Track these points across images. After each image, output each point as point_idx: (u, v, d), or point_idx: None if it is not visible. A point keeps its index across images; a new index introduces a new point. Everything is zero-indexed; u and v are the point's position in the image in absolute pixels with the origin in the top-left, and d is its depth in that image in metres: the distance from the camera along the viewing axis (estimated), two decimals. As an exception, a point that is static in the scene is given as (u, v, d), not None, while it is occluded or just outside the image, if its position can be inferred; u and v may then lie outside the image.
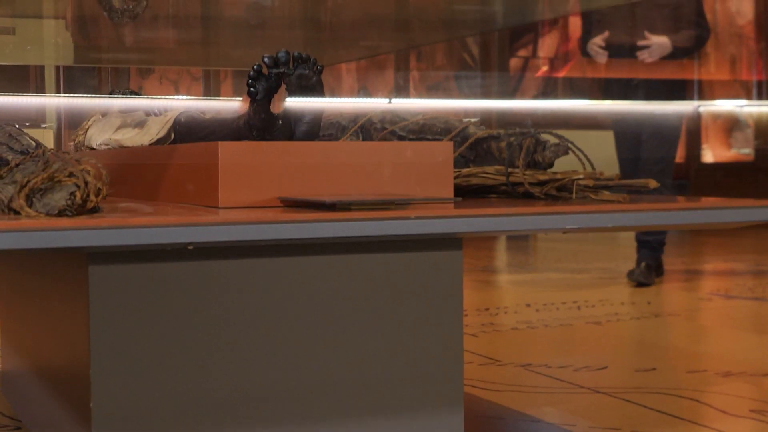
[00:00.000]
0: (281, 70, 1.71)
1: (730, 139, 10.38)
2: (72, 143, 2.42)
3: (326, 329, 1.58)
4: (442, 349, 1.68)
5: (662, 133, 4.86)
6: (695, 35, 4.96)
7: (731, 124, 10.42)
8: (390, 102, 7.72)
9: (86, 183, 1.35)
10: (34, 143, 1.89)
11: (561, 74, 9.58)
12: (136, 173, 1.94)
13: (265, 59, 1.71)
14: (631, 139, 4.86)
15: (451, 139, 2.02)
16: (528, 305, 4.11)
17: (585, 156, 1.78)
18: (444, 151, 1.65)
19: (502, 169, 1.80)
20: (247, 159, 1.52)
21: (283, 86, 1.75)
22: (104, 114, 2.42)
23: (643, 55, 4.84)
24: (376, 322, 1.61)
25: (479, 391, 2.60)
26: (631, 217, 1.54)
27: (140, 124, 2.18)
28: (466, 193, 1.86)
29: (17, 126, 2.22)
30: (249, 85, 1.71)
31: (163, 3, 8.10)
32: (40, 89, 7.83)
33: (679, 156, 9.95)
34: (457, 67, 9.21)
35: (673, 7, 4.89)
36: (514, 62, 9.50)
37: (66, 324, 1.68)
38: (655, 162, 4.79)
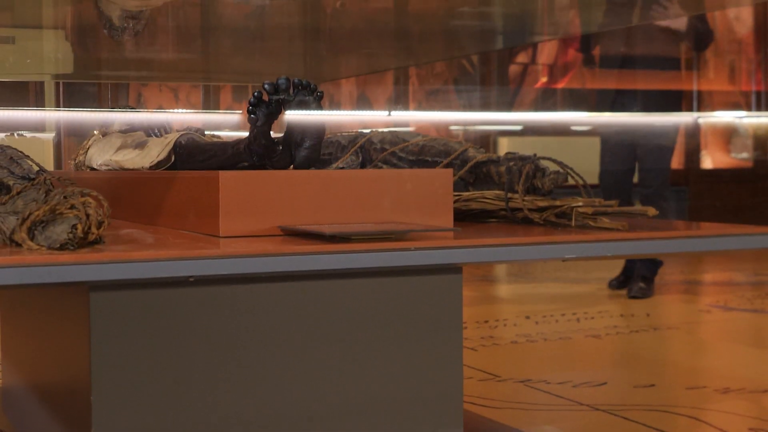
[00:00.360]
0: (281, 97, 1.71)
1: (729, 145, 10.40)
2: (72, 162, 2.43)
3: (326, 352, 1.58)
4: (442, 370, 1.68)
5: (661, 144, 4.86)
6: (702, 30, 5.03)
7: (730, 131, 10.44)
8: (390, 114, 7.73)
9: (88, 215, 1.36)
10: (35, 167, 1.90)
11: (560, 85, 9.58)
12: (137, 197, 1.95)
13: (266, 86, 1.72)
14: (626, 150, 4.85)
15: (450, 162, 2.02)
16: (527, 317, 4.11)
17: (584, 182, 1.78)
18: (443, 178, 1.66)
19: (502, 194, 1.81)
20: (247, 189, 1.53)
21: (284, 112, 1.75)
22: (104, 133, 2.42)
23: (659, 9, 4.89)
24: (376, 345, 1.62)
25: (479, 408, 2.61)
26: (630, 245, 1.55)
27: (140, 145, 2.19)
28: (466, 217, 1.87)
29: (19, 150, 2.24)
30: (249, 112, 1.72)
31: (162, 11, 8.10)
32: (39, 99, 7.84)
33: (678, 162, 9.97)
34: (456, 73, 9.22)
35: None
36: (513, 69, 9.51)
37: (67, 346, 1.68)
38: (656, 175, 4.80)
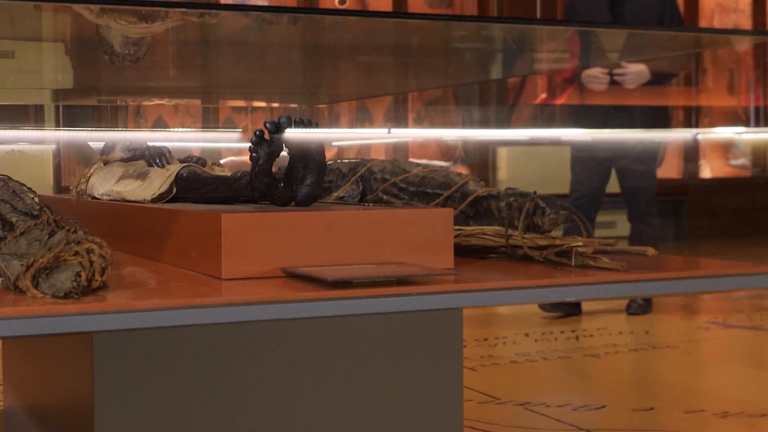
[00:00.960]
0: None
1: (728, 153, 10.41)
2: (74, 189, 2.44)
3: (327, 389, 1.59)
4: (443, 402, 1.70)
5: (645, 162, 4.85)
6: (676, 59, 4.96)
7: (729, 140, 10.46)
8: (389, 132, 7.75)
9: (91, 262, 1.37)
10: (37, 202, 1.91)
11: (560, 101, 9.59)
12: (140, 230, 1.96)
13: (267, 124, 1.73)
14: (601, 167, 4.82)
15: (450, 195, 2.03)
16: (526, 335, 4.12)
17: (584, 222, 1.80)
18: (444, 218, 1.67)
19: (502, 231, 1.82)
20: (249, 230, 1.54)
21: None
22: (106, 161, 2.43)
23: (623, 81, 4.80)
24: (378, 382, 1.63)
25: (478, 434, 2.62)
26: (630, 287, 1.56)
27: (142, 176, 2.20)
28: (466, 252, 1.88)
29: (20, 183, 2.25)
30: (251, 150, 1.73)
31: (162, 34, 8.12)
32: (39, 115, 7.85)
33: (677, 171, 9.98)
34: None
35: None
36: (512, 80, 9.51)
37: (68, 372, 1.70)
38: (643, 194, 4.78)
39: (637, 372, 3.55)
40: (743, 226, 9.53)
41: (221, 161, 8.50)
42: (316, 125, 1.75)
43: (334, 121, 8.82)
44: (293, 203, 1.79)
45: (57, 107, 7.78)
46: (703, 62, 10.22)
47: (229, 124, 8.53)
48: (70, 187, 2.53)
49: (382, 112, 8.91)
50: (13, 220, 1.77)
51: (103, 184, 2.30)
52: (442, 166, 2.20)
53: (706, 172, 10.13)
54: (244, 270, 1.53)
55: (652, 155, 4.90)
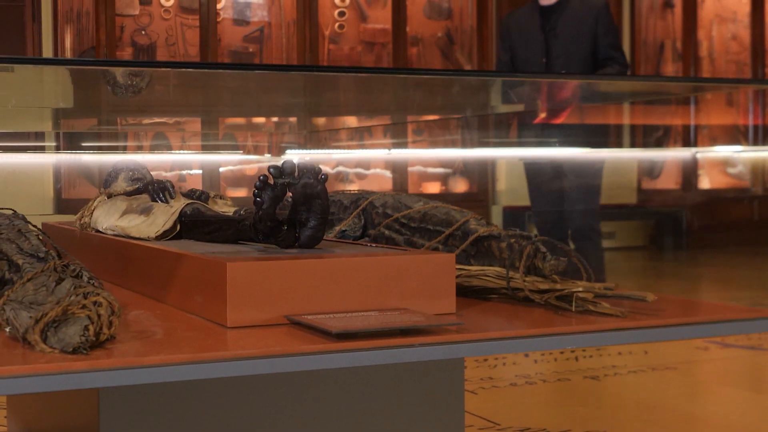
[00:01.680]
0: (287, 180, 1.74)
1: (726, 164, 10.44)
2: (78, 221, 2.45)
3: (332, 430, 1.62)
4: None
5: (586, 183, 4.86)
6: (614, 72, 4.88)
7: (728, 158, 10.48)
8: (390, 152, 7.77)
9: (99, 316, 1.39)
10: (42, 241, 1.93)
11: (559, 120, 9.61)
12: (145, 268, 1.97)
13: (271, 169, 1.75)
14: (552, 189, 4.83)
15: (451, 233, 2.05)
16: (526, 355, 4.14)
17: (585, 266, 1.82)
18: (446, 263, 1.69)
19: (503, 272, 1.84)
20: (254, 278, 1.56)
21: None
22: (110, 194, 2.45)
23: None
24: (381, 424, 1.65)
25: (479, 463, 2.64)
26: (629, 335, 1.58)
27: (146, 212, 2.22)
28: (468, 292, 1.89)
29: (22, 216, 2.26)
30: (255, 195, 1.75)
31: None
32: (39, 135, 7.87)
33: (675, 182, 10.01)
34: (454, 95, 9.24)
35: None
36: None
37: (73, 404, 1.72)
38: (586, 215, 4.79)
39: (637, 396, 3.57)
40: (741, 237, 9.55)
41: (221, 169, 8.42)
42: (320, 170, 1.77)
43: (333, 136, 8.85)
44: (297, 245, 1.81)
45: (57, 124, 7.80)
46: (702, 73, 10.25)
47: (229, 137, 8.54)
48: (75, 219, 2.55)
49: (381, 128, 8.94)
50: (20, 262, 1.79)
51: (107, 218, 2.32)
52: (442, 203, 2.21)
53: (704, 182, 10.15)
54: (248, 318, 1.55)
55: (592, 173, 4.84)
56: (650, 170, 10.07)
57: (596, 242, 4.87)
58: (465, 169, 9.18)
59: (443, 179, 9.16)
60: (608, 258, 8.97)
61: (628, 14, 9.99)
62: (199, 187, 8.00)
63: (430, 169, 9.15)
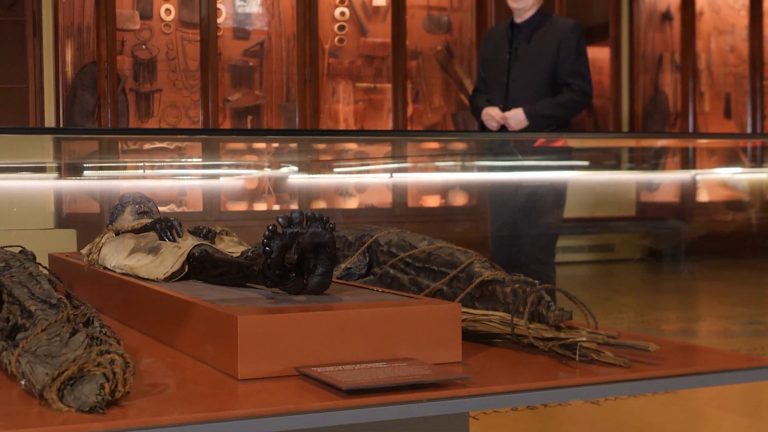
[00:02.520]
0: (295, 230, 1.78)
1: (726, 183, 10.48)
2: (86, 258, 2.48)
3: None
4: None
5: (545, 207, 4.72)
6: (563, 102, 4.65)
7: (727, 163, 10.51)
8: (391, 177, 7.79)
9: (114, 373, 1.42)
10: (52, 285, 1.96)
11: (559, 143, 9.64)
12: (155, 312, 2.00)
13: (280, 219, 1.78)
14: (511, 211, 4.72)
15: (456, 275, 2.09)
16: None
17: (590, 312, 1.85)
18: (452, 313, 1.72)
19: (507, 318, 1.87)
20: (264, 332, 1.59)
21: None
22: (117, 231, 2.48)
23: (491, 126, 4.68)
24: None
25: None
26: (633, 386, 1.61)
27: (154, 251, 2.25)
28: (472, 336, 1.93)
29: (33, 257, 2.30)
30: (264, 244, 1.78)
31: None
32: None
33: (673, 195, 10.04)
34: (454, 108, 9.30)
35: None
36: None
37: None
38: (542, 242, 4.66)
39: (637, 422, 3.60)
40: (740, 249, 9.58)
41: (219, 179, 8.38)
42: (328, 219, 1.80)
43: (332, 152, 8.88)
44: (305, 291, 1.84)
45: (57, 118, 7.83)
46: (700, 86, 10.29)
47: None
48: (82, 253, 2.58)
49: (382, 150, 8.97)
50: (32, 309, 1.82)
51: (115, 256, 2.35)
52: (446, 243, 2.24)
53: (703, 196, 10.19)
54: (259, 370, 1.59)
55: (551, 201, 4.75)
56: (649, 183, 10.11)
57: (544, 274, 4.71)
58: (464, 184, 9.22)
59: (442, 193, 9.19)
60: (607, 270, 9.02)
61: (627, 26, 10.03)
62: (199, 202, 8.04)
63: (430, 183, 9.19)
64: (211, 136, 3.03)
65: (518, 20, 4.77)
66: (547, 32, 4.69)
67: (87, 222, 7.05)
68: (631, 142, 5.00)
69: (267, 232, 1.78)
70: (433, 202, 9.05)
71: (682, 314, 6.27)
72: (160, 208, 2.83)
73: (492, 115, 4.69)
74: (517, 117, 4.60)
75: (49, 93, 7.98)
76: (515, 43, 4.73)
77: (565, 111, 4.65)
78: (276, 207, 8.41)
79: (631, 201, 9.91)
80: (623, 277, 8.43)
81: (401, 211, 8.79)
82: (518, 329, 1.84)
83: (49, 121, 8.00)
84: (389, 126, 8.95)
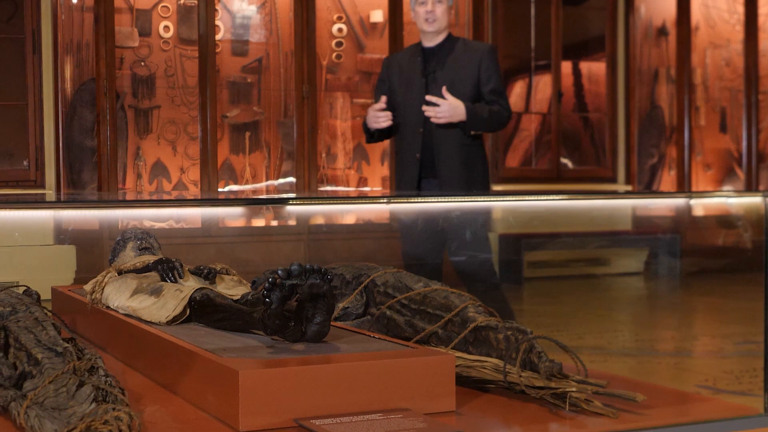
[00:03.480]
0: (294, 282, 1.83)
1: (722, 186, 10.54)
2: (89, 296, 2.53)
3: None
4: None
5: (473, 238, 4.59)
6: (496, 111, 4.49)
7: (722, 175, 10.58)
8: (389, 202, 7.84)
9: (120, 431, 1.47)
10: (58, 331, 2.01)
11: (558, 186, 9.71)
12: (158, 358, 2.06)
13: (279, 272, 1.84)
14: (435, 237, 4.52)
15: (450, 319, 2.14)
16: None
17: (579, 361, 1.90)
18: (446, 364, 1.78)
19: (500, 365, 1.93)
20: (265, 385, 1.64)
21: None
22: (120, 271, 2.53)
23: (430, 113, 4.44)
24: None
25: None
26: (620, 438, 1.67)
27: (156, 293, 2.30)
28: (466, 382, 1.98)
29: (38, 297, 2.35)
30: (265, 296, 1.84)
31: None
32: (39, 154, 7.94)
33: (669, 209, 10.10)
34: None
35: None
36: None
37: None
38: (480, 264, 4.57)
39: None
40: (735, 264, 9.64)
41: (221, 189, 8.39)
42: (326, 271, 1.86)
43: (331, 147, 8.94)
44: (304, 339, 1.90)
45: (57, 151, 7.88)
46: (696, 100, 10.35)
47: (227, 168, 8.64)
48: (84, 289, 2.63)
49: (378, 153, 9.03)
50: (39, 357, 1.87)
51: (118, 297, 2.40)
52: (441, 285, 2.29)
53: (698, 210, 10.24)
54: (259, 422, 1.64)
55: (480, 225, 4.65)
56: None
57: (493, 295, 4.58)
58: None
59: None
60: (604, 284, 9.06)
61: (623, 41, 10.09)
62: (198, 220, 8.09)
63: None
64: (209, 207, 3.05)
65: (430, 44, 4.67)
66: (463, 55, 4.64)
67: (87, 238, 7.09)
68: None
69: (267, 284, 1.83)
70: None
71: (676, 332, 6.32)
72: (159, 225, 2.88)
73: (434, 100, 4.45)
74: (456, 109, 4.42)
75: (49, 109, 8.02)
76: (430, 67, 4.63)
77: (496, 121, 4.54)
78: (274, 222, 8.47)
79: (627, 215, 9.97)
80: (619, 293, 8.48)
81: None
82: (510, 377, 1.89)
83: (48, 138, 8.04)
84: (386, 141, 8.98)
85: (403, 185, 4.81)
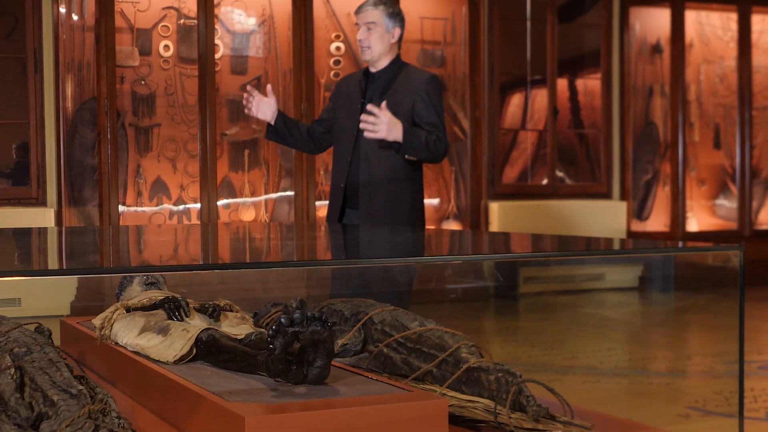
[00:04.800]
0: (297, 329, 1.95)
1: (715, 207, 10.66)
2: (98, 331, 2.64)
3: None
4: None
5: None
6: (434, 140, 4.31)
7: (716, 190, 10.69)
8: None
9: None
10: (71, 371, 2.12)
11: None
12: (166, 397, 2.16)
13: (282, 320, 1.95)
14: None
15: (444, 359, 2.25)
16: None
17: (566, 403, 2.01)
18: (439, 408, 1.89)
19: (491, 406, 2.04)
20: (271, 430, 1.75)
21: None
22: (128, 308, 2.64)
23: (366, 126, 4.21)
24: None
25: None
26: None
27: (163, 331, 2.41)
28: (458, 420, 2.09)
29: (49, 334, 2.45)
30: (269, 342, 1.95)
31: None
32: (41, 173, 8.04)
33: (663, 224, 10.22)
34: (447, 139, 9.45)
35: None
36: (501, 135, 9.75)
37: None
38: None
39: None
40: (728, 279, 9.74)
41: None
42: (327, 319, 1.97)
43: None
44: (306, 382, 2.01)
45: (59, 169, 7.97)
46: (690, 116, 10.47)
47: (227, 185, 8.74)
48: (93, 323, 2.73)
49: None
50: (55, 398, 1.98)
51: (126, 334, 2.51)
52: (436, 325, 2.41)
53: (692, 225, 10.36)
54: (264, 465, 1.75)
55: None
56: (639, 213, 10.29)
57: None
58: (458, 213, 9.39)
59: (437, 223, 9.36)
60: (598, 300, 9.17)
61: (618, 59, 10.21)
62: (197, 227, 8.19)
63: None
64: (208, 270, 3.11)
65: (372, 69, 4.51)
66: (403, 84, 4.43)
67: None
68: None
69: (271, 331, 1.95)
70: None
71: (668, 352, 6.42)
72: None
73: (374, 111, 4.20)
74: (394, 127, 4.19)
75: (50, 128, 8.13)
76: (369, 93, 4.45)
77: (433, 150, 4.30)
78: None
79: (622, 231, 10.08)
80: (612, 309, 8.59)
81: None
82: (501, 418, 2.00)
83: (50, 156, 8.15)
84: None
85: (329, 215, 4.60)
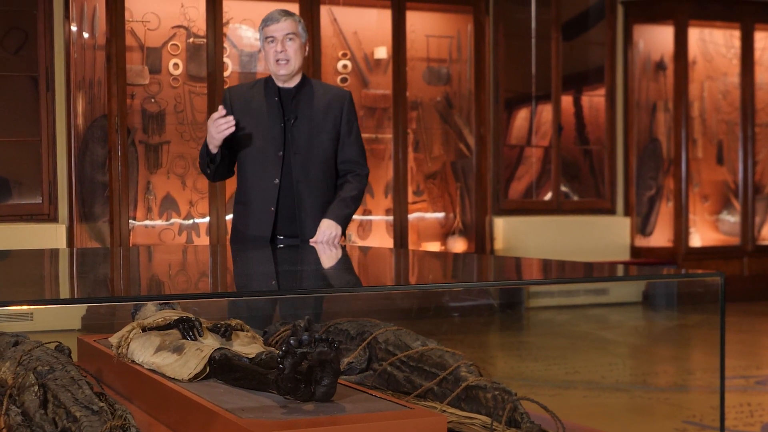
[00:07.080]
0: (305, 350, 2.07)
1: (718, 223, 10.76)
2: (115, 350, 2.76)
3: None
4: None
5: None
6: (355, 195, 4.16)
7: (719, 206, 10.80)
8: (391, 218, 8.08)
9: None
10: (91, 389, 2.25)
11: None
12: (182, 413, 2.29)
13: (291, 341, 2.07)
14: None
15: (444, 377, 2.38)
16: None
17: (559, 420, 2.13)
18: (439, 424, 2.01)
19: (488, 424, 2.16)
20: (279, 446, 1.88)
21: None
22: (144, 328, 2.76)
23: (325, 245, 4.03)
24: None
25: None
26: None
27: (178, 350, 2.54)
28: (458, 436, 2.22)
29: (69, 352, 2.58)
30: (279, 362, 2.08)
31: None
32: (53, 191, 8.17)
33: (667, 239, 10.33)
34: (453, 156, 9.58)
35: None
36: (508, 152, 9.88)
37: None
38: None
39: None
40: (732, 294, 9.84)
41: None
42: (333, 340, 2.09)
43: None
44: (313, 399, 2.14)
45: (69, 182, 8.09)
46: (693, 133, 10.58)
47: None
48: (110, 342, 2.86)
49: (382, 185, 9.26)
50: (77, 415, 2.11)
51: (142, 352, 2.63)
52: (437, 345, 2.53)
53: (695, 240, 10.46)
54: (274, 478, 1.87)
55: None
56: (642, 228, 10.40)
57: None
58: (464, 229, 9.50)
59: (442, 239, 9.48)
60: (602, 314, 9.28)
61: (622, 76, 10.34)
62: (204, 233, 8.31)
63: (430, 230, 9.49)
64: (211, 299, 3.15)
65: (282, 85, 4.18)
66: (324, 99, 4.21)
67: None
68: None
69: (281, 352, 2.07)
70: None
71: (670, 366, 6.53)
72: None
73: (318, 239, 4.07)
74: (336, 232, 4.08)
75: (62, 145, 8.27)
76: (288, 111, 4.15)
77: (359, 199, 4.20)
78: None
79: (626, 246, 10.19)
80: (615, 323, 8.70)
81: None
82: (497, 434, 2.12)
83: (61, 172, 8.29)
84: (390, 175, 9.22)
85: (248, 242, 4.23)
